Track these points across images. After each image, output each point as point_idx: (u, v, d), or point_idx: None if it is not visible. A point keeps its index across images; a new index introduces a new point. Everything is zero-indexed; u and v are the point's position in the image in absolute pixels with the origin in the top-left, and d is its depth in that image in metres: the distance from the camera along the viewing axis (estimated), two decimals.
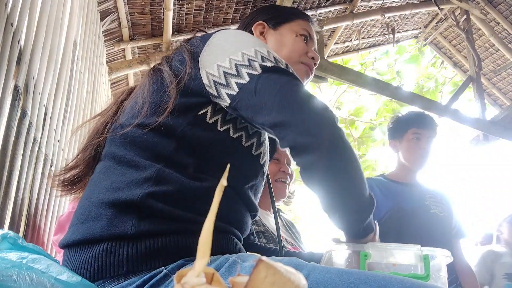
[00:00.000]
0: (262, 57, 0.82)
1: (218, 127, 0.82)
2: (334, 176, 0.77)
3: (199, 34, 0.93)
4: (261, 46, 0.84)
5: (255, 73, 0.79)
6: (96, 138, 0.91)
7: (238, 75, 0.79)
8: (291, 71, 0.83)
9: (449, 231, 1.99)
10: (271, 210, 1.50)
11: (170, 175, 0.76)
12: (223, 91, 0.80)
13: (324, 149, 0.74)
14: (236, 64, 0.80)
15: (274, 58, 0.83)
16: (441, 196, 2.03)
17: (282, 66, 0.82)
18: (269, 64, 0.80)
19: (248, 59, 0.81)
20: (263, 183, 0.96)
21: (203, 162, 0.80)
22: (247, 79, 0.79)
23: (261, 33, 1.08)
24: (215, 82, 0.81)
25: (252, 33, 1.08)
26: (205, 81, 0.81)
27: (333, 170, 0.76)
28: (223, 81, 0.80)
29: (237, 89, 0.79)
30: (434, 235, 1.85)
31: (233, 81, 0.79)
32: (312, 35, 1.10)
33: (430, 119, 2.04)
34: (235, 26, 2.98)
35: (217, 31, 0.89)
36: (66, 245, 0.77)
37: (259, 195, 0.95)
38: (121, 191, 0.74)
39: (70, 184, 0.94)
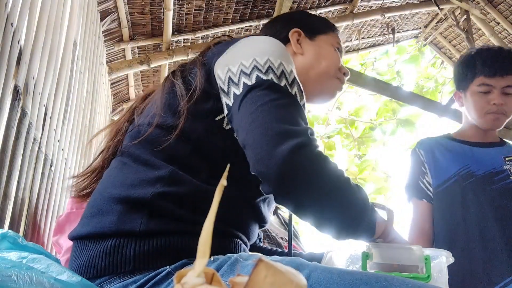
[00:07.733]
0: (268, 67, 0.75)
1: (235, 134, 0.80)
2: (299, 205, 0.73)
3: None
4: (278, 57, 0.77)
5: (249, 83, 0.75)
6: (110, 142, 0.93)
7: (237, 83, 0.76)
8: (292, 90, 0.77)
9: None
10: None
11: (183, 177, 0.76)
12: (224, 99, 0.78)
13: (277, 182, 0.69)
14: (241, 71, 0.76)
15: (283, 72, 0.76)
16: None
17: (282, 83, 0.76)
18: (265, 77, 0.74)
19: (254, 67, 0.76)
20: None
21: (216, 168, 0.79)
22: (241, 90, 0.75)
23: (297, 41, 1.05)
24: (220, 88, 0.78)
25: (286, 39, 1.05)
26: (219, 83, 0.79)
27: (294, 200, 0.72)
28: (225, 88, 0.77)
29: (232, 100, 0.76)
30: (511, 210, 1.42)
31: (232, 90, 0.76)
32: (342, 50, 1.10)
33: (506, 63, 1.50)
34: (235, 26, 2.98)
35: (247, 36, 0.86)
36: (76, 238, 0.77)
37: (273, 206, 0.93)
38: (133, 188, 0.75)
39: (87, 189, 0.95)
